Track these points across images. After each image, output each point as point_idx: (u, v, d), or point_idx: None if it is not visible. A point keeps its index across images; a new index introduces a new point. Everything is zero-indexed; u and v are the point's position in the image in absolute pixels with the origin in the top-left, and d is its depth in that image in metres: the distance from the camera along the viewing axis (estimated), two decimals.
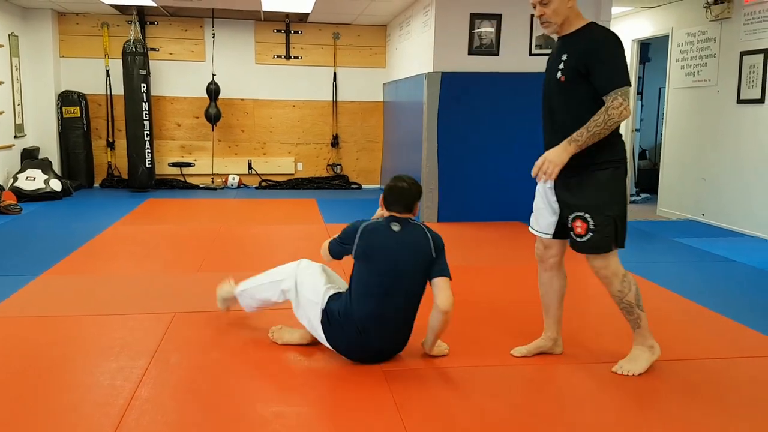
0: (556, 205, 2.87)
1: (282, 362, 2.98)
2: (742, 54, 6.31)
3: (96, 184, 8.99)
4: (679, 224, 6.84)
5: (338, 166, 9.47)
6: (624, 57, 2.67)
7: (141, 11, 8.65)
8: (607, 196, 2.70)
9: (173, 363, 2.94)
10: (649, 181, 8.88)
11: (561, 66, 2.74)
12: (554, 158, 2.65)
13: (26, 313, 3.64)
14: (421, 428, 2.39)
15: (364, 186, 9.55)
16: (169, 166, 9.13)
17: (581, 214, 2.72)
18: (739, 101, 6.37)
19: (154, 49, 8.88)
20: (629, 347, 3.14)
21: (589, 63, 2.63)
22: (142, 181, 8.48)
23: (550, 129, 2.87)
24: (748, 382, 2.87)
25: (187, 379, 2.78)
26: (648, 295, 4.17)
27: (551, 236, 2.93)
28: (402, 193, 2.96)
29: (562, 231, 2.89)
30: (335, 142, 9.42)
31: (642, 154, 9.30)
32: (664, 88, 7.79)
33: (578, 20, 2.76)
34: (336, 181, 9.39)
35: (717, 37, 6.69)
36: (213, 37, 8.97)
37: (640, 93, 8.93)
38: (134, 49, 8.28)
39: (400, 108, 8.11)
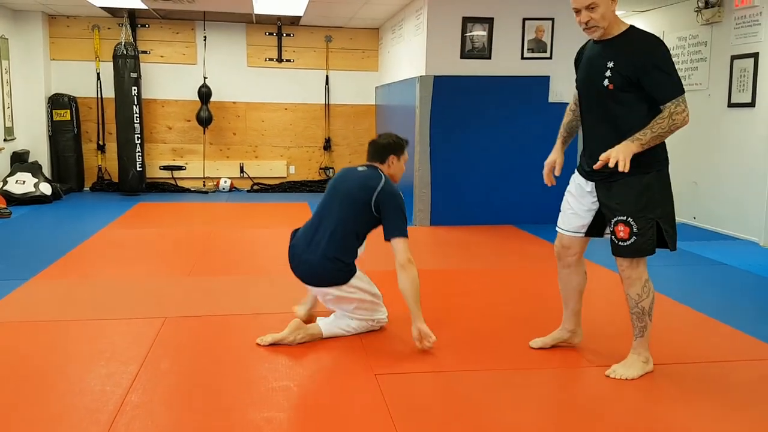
0: (594, 206, 2.88)
1: (272, 367, 2.96)
2: (733, 58, 6.34)
3: (86, 188, 8.94)
4: None
5: (331, 170, 9.46)
6: (673, 63, 2.66)
7: (132, 14, 8.62)
8: (650, 198, 2.69)
9: (164, 368, 2.92)
10: None
11: (608, 73, 2.69)
12: (624, 150, 2.60)
13: (15, 318, 3.60)
14: None
15: None
16: (161, 169, 9.09)
17: (623, 218, 2.71)
18: (730, 105, 6.40)
19: (145, 52, 8.84)
20: (619, 354, 3.15)
21: (643, 72, 2.62)
22: (133, 184, 8.44)
23: (597, 138, 2.81)
24: (741, 386, 2.87)
25: (177, 385, 2.76)
26: None
27: (582, 235, 2.97)
28: (372, 145, 3.39)
29: (591, 230, 2.95)
30: (327, 146, 9.41)
31: None
32: None
33: (618, 23, 2.71)
34: None
35: (708, 41, 6.72)
36: (204, 40, 8.94)
37: None
38: (125, 52, 8.25)
39: (393, 111, 8.10)
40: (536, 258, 5.34)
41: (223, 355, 3.08)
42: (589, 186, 2.87)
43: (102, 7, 8.02)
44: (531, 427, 2.47)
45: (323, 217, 3.26)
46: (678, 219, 7.09)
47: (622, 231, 2.71)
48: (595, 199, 2.86)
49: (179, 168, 9.12)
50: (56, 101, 8.53)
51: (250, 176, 9.29)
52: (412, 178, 6.71)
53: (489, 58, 6.60)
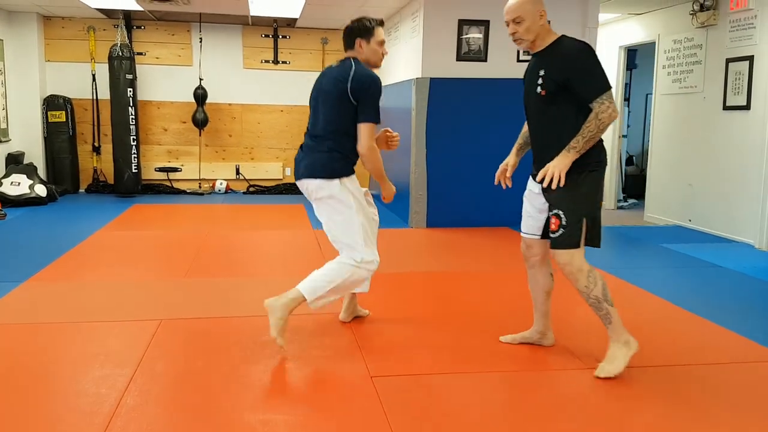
0: (544, 207, 2.99)
1: (269, 369, 2.96)
2: (728, 61, 6.36)
3: (81, 190, 8.92)
4: (666, 230, 6.88)
5: None
6: (600, 63, 2.79)
7: (127, 15, 8.61)
8: (581, 195, 2.82)
9: (159, 371, 2.91)
10: (636, 187, 8.93)
11: (540, 81, 2.85)
12: (558, 164, 2.77)
13: (10, 320, 3.59)
14: None
15: None
16: (156, 171, 9.07)
17: (556, 211, 2.84)
18: (725, 108, 6.42)
19: (140, 54, 8.83)
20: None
21: (569, 76, 2.76)
22: (128, 186, 8.42)
23: (540, 143, 2.98)
24: (735, 388, 2.88)
25: (173, 387, 2.75)
26: (635, 300, 4.19)
27: (539, 237, 3.08)
28: (343, 33, 3.29)
29: (547, 232, 3.02)
30: None
31: (629, 160, 9.35)
32: (651, 94, 7.83)
33: (549, 36, 2.91)
34: None
35: (703, 44, 6.74)
36: (200, 42, 8.93)
37: (627, 99, 8.97)
38: (121, 54, 8.23)
39: (389, 113, 8.09)
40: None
41: (218, 358, 3.07)
42: (537, 188, 3.00)
43: (97, 9, 8.01)
44: (527, 428, 2.47)
45: (314, 123, 3.25)
46: (673, 221, 7.17)
47: (554, 223, 2.84)
48: (544, 200, 2.97)
49: (175, 170, 9.10)
50: (51, 102, 8.51)
51: (246, 178, 9.27)
52: (408, 180, 6.71)
53: (485, 60, 6.61)
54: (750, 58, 6.09)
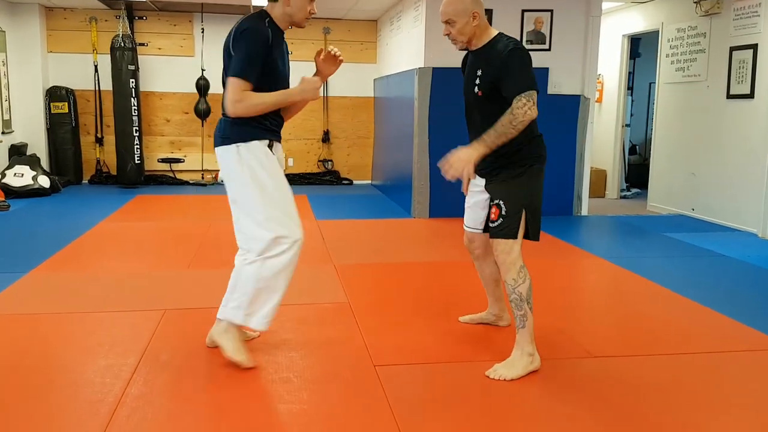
0: (486, 203, 2.98)
1: (272, 359, 2.97)
2: (732, 49, 6.33)
3: (84, 181, 8.93)
4: (669, 219, 6.87)
5: (329, 162, 9.45)
6: (528, 64, 2.76)
7: (129, 6, 8.59)
8: (521, 188, 2.83)
9: (163, 360, 2.92)
10: (639, 176, 8.92)
11: (477, 81, 2.88)
12: (463, 156, 2.73)
13: (15, 310, 3.60)
14: (414, 426, 2.38)
15: (355, 182, 9.53)
16: (159, 162, 9.08)
17: (497, 201, 2.85)
18: (729, 96, 6.39)
19: (142, 44, 8.82)
20: (617, 345, 3.16)
21: (499, 75, 2.77)
22: (131, 177, 8.43)
23: (476, 138, 2.89)
24: (738, 376, 2.88)
25: (177, 377, 2.76)
26: (637, 289, 4.20)
27: (480, 231, 3.12)
28: None
29: (488, 227, 3.01)
30: (326, 138, 9.39)
31: (632, 149, 9.33)
32: (654, 83, 7.81)
33: (486, 34, 2.87)
34: (327, 177, 9.37)
35: (707, 33, 6.71)
36: (202, 32, 8.91)
37: (630, 88, 8.94)
38: (123, 44, 8.22)
39: (391, 103, 8.09)
40: (534, 250, 5.33)
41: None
42: (480, 182, 2.99)
43: (99, 0, 7.99)
44: (530, 417, 2.48)
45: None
46: (676, 210, 7.16)
47: (494, 213, 2.84)
48: (487, 195, 2.96)
49: (177, 161, 9.11)
50: (54, 94, 8.51)
51: None
52: (410, 170, 6.71)
53: None
54: (754, 47, 6.05)
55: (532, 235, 2.88)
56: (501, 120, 2.70)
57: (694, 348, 3.21)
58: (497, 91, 2.78)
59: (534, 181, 2.85)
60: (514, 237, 2.80)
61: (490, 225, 2.87)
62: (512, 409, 2.54)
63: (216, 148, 2.83)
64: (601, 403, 2.60)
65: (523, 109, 2.67)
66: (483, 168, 2.89)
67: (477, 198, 3.07)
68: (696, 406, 2.60)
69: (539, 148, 2.89)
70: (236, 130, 2.75)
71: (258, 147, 2.77)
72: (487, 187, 2.95)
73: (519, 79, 2.72)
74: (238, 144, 2.75)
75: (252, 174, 2.76)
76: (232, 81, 2.68)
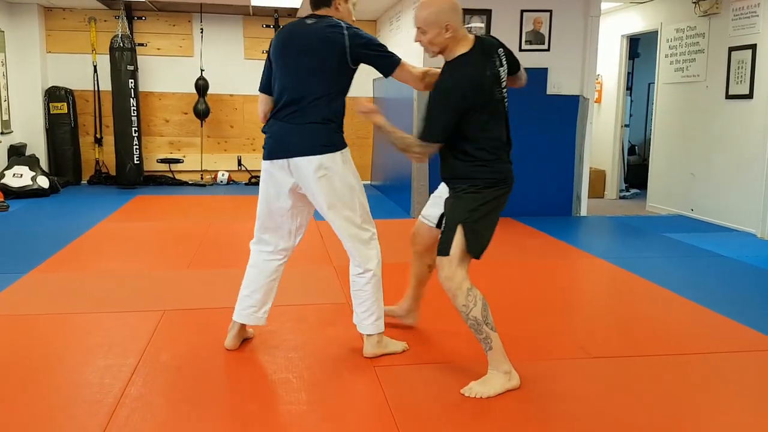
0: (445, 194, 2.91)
1: (272, 360, 2.97)
2: (731, 49, 6.34)
3: (84, 181, 8.93)
4: (669, 219, 6.87)
5: None
6: (440, 107, 2.65)
7: (128, 6, 8.59)
8: (460, 205, 2.72)
9: (163, 361, 2.92)
10: (638, 177, 8.92)
11: None
12: (374, 110, 2.83)
13: (14, 311, 3.60)
14: (413, 426, 2.38)
15: None
16: (158, 162, 9.07)
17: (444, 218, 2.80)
18: (728, 97, 6.40)
19: (141, 45, 8.81)
20: (615, 345, 3.15)
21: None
22: (131, 177, 8.42)
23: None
24: (737, 377, 2.88)
25: (176, 377, 2.76)
26: (636, 290, 4.20)
27: (432, 225, 3.03)
28: None
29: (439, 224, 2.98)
30: None
31: (631, 150, 9.33)
32: (653, 83, 7.81)
33: (459, 47, 2.69)
34: None
35: (706, 33, 6.71)
36: (201, 32, 8.91)
37: (629, 89, 8.95)
38: (122, 45, 8.22)
39: (391, 103, 8.09)
40: (533, 250, 5.35)
41: (222, 348, 3.08)
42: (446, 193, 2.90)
43: (98, 0, 7.99)
44: (530, 417, 2.48)
45: (294, 90, 2.81)
46: (675, 210, 7.15)
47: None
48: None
49: (177, 161, 9.10)
50: (53, 94, 8.50)
51: (248, 169, 9.27)
52: (410, 170, 6.71)
53: None
54: (753, 47, 6.06)
55: (467, 253, 2.68)
56: (403, 136, 2.74)
57: (693, 348, 3.21)
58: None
59: (475, 201, 2.69)
60: (446, 253, 2.66)
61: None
62: (511, 410, 2.54)
63: (315, 157, 2.77)
64: (599, 404, 2.60)
65: (415, 155, 2.72)
66: (443, 172, 2.83)
67: (442, 194, 2.95)
68: (695, 407, 2.60)
69: (493, 174, 2.71)
70: (337, 137, 2.85)
71: (349, 152, 2.91)
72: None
73: (422, 123, 2.69)
74: (342, 151, 2.85)
75: (354, 178, 2.89)
76: (404, 65, 2.90)
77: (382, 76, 2.96)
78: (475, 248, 2.70)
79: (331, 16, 2.89)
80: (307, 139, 2.79)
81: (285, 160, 2.81)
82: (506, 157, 2.78)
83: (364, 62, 2.87)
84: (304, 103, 2.80)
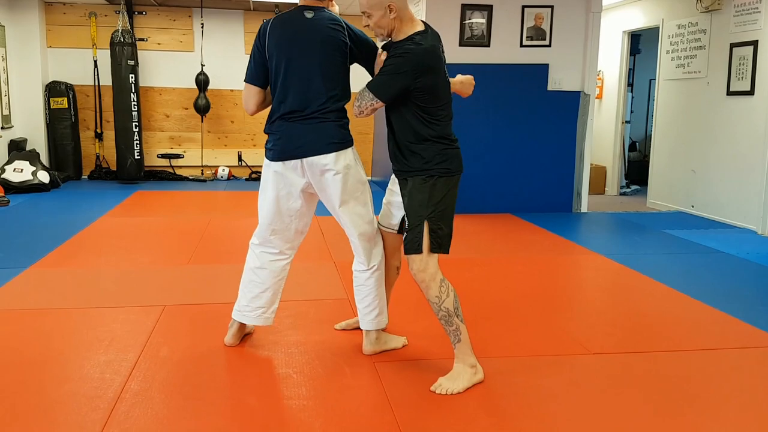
0: (401, 205, 2.86)
1: (272, 354, 2.97)
2: (732, 46, 6.33)
3: (84, 176, 8.93)
4: (669, 216, 6.87)
5: None
6: (393, 73, 2.63)
7: (129, 1, 8.58)
8: (422, 199, 2.69)
9: (163, 356, 2.92)
10: (639, 173, 8.92)
11: None
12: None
13: (14, 306, 3.60)
14: (413, 421, 2.39)
15: None
16: (158, 157, 9.07)
17: (404, 216, 2.77)
18: (729, 93, 6.39)
19: (142, 39, 8.80)
20: (616, 342, 3.16)
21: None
22: (131, 172, 8.42)
23: (387, 136, 2.87)
24: (738, 374, 2.89)
25: (177, 373, 2.76)
26: (636, 286, 4.20)
27: (389, 230, 2.99)
28: None
29: (401, 229, 2.95)
30: None
31: (632, 146, 9.33)
32: (655, 79, 7.80)
33: (408, 28, 2.67)
34: None
35: (707, 29, 6.70)
36: (202, 27, 8.90)
37: (630, 85, 8.93)
38: (122, 40, 8.20)
39: None
40: (534, 246, 5.35)
41: (221, 343, 3.08)
42: (395, 182, 2.89)
43: None
44: (530, 413, 2.48)
45: (301, 89, 2.78)
46: (676, 207, 7.15)
47: (405, 229, 2.74)
48: (399, 195, 2.86)
49: (177, 156, 9.10)
50: (53, 89, 8.49)
51: (249, 164, 9.27)
52: None
53: (488, 45, 6.58)
54: (754, 43, 6.05)
55: (438, 248, 2.69)
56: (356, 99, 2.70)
57: (693, 345, 3.22)
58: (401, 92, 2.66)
59: (438, 193, 2.69)
60: (418, 251, 2.66)
61: (404, 238, 2.74)
62: (511, 406, 2.54)
63: (331, 155, 2.76)
64: (600, 400, 2.60)
65: (355, 107, 2.70)
66: (395, 169, 2.80)
67: (393, 198, 2.93)
68: (695, 404, 2.60)
69: (445, 161, 2.71)
70: (348, 134, 2.87)
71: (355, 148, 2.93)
72: (401, 190, 2.80)
73: (375, 78, 2.68)
74: (352, 147, 2.87)
75: (364, 173, 2.92)
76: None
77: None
78: (443, 244, 2.71)
79: (326, 8, 2.86)
80: (322, 137, 2.77)
81: (298, 160, 2.79)
82: (456, 143, 2.81)
83: (360, 62, 2.89)
84: (313, 103, 2.77)
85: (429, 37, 2.66)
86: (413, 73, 2.59)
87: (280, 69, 2.79)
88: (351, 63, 2.88)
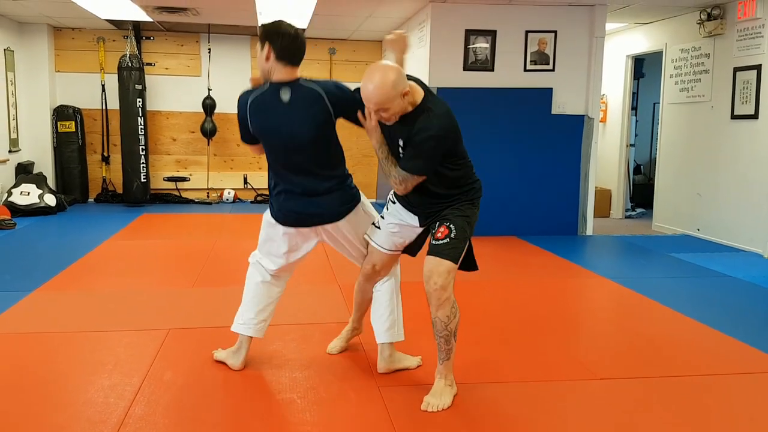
0: (409, 233, 2.96)
1: (276, 380, 2.96)
2: (736, 70, 6.35)
3: (91, 199, 8.97)
4: (675, 239, 6.85)
5: None
6: (432, 156, 2.68)
7: (137, 26, 8.68)
8: (469, 222, 2.82)
9: (167, 380, 2.91)
10: (644, 196, 8.90)
11: (400, 152, 2.76)
12: (373, 128, 2.76)
13: (19, 329, 3.60)
14: None
15: None
16: (165, 180, 9.11)
17: (448, 224, 2.79)
18: (733, 117, 6.40)
19: (149, 64, 8.89)
20: (622, 366, 3.13)
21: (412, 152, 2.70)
22: (137, 195, 8.46)
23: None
24: (746, 398, 2.86)
25: (181, 397, 2.75)
26: (643, 310, 4.18)
27: (387, 251, 3.00)
28: (302, 43, 2.74)
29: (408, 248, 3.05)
30: None
31: (637, 169, 9.33)
32: (659, 103, 7.82)
33: (413, 99, 2.68)
34: None
35: (711, 53, 6.74)
36: (209, 52, 8.99)
37: (634, 108, 8.97)
38: (130, 64, 8.29)
39: None
40: (539, 270, 5.33)
41: (226, 368, 3.07)
42: (408, 218, 2.93)
43: (107, 20, 8.07)
44: None
45: (290, 163, 2.82)
46: (682, 230, 7.14)
47: (441, 232, 2.77)
48: (415, 230, 2.96)
49: (183, 179, 9.15)
50: (61, 113, 8.57)
51: (254, 187, 9.30)
52: None
53: (492, 70, 6.62)
54: (758, 67, 6.07)
55: (467, 265, 2.89)
56: (395, 170, 2.73)
57: (700, 370, 3.19)
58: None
59: (474, 219, 2.87)
60: (455, 261, 2.73)
61: (434, 242, 2.77)
62: (515, 430, 2.52)
63: (343, 219, 2.90)
64: (606, 426, 2.58)
65: (396, 185, 2.76)
66: (423, 208, 2.84)
67: (402, 230, 2.96)
68: (702, 429, 2.57)
69: (478, 185, 2.93)
70: (354, 190, 2.98)
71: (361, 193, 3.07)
72: (425, 222, 2.88)
73: (413, 161, 2.67)
74: (362, 199, 3.02)
75: (370, 209, 3.06)
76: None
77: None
78: (471, 263, 2.90)
79: (301, 78, 2.78)
80: (333, 205, 2.88)
81: (311, 227, 2.92)
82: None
83: (344, 118, 2.85)
84: (311, 173, 2.83)
85: (435, 99, 2.73)
86: (446, 147, 2.72)
87: (272, 155, 2.88)
88: (337, 119, 2.85)
